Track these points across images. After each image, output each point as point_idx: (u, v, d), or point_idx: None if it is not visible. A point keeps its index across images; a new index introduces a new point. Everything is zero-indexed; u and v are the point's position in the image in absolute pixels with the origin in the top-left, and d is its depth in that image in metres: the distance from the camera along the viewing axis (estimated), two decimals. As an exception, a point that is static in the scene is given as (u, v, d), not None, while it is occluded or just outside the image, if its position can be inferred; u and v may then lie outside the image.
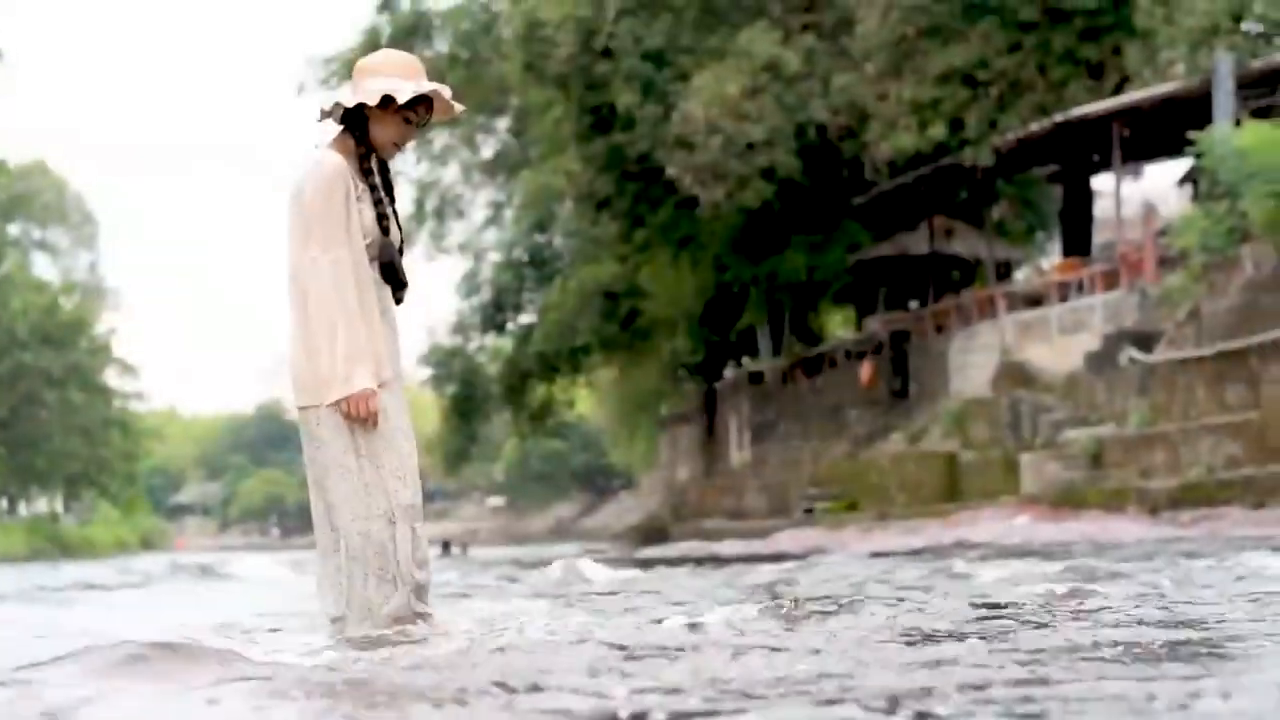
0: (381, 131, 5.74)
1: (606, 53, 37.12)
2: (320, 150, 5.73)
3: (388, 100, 5.68)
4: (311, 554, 6.64)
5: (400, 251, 5.82)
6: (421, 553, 5.71)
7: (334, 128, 5.80)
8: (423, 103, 5.78)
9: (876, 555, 16.75)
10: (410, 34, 49.56)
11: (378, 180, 5.78)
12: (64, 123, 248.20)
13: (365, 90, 5.69)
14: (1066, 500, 22.69)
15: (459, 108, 5.90)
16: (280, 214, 5.71)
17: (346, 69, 50.06)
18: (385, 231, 5.75)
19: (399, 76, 5.71)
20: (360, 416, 5.53)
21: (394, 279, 5.78)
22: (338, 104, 5.74)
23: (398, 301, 5.85)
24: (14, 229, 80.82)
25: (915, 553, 16.95)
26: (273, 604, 10.38)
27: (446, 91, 5.80)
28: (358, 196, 5.67)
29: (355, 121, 5.75)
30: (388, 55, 5.89)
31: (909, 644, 4.90)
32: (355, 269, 5.60)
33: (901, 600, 7.18)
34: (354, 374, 5.50)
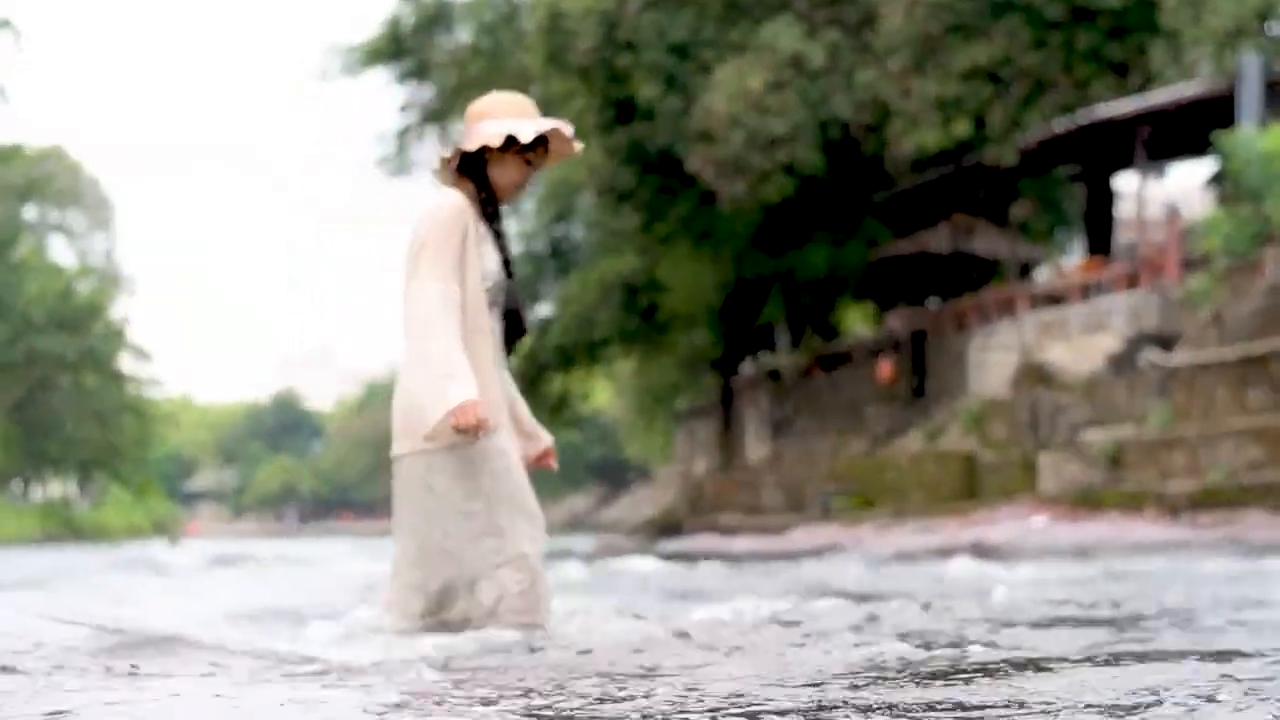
0: (502, 174, 5.59)
1: (629, 45, 37.00)
2: (442, 192, 5.59)
3: (510, 142, 5.53)
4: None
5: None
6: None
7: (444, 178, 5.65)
8: (542, 143, 5.62)
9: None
10: (432, 24, 49.41)
11: (502, 225, 5.65)
12: (64, 123, 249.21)
13: (484, 134, 5.53)
14: (1084, 502, 22.57)
15: (578, 145, 5.69)
16: (398, 262, 5.52)
17: (369, 57, 50.06)
18: (510, 275, 5.63)
19: (514, 117, 5.54)
20: (469, 427, 5.24)
21: (517, 325, 5.66)
22: (458, 150, 5.59)
23: (510, 351, 5.72)
24: (31, 213, 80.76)
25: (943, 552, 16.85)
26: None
27: (568, 129, 5.65)
28: (481, 239, 5.53)
29: (473, 166, 5.61)
30: (499, 97, 5.71)
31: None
32: (466, 310, 5.43)
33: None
34: (450, 390, 5.24)
